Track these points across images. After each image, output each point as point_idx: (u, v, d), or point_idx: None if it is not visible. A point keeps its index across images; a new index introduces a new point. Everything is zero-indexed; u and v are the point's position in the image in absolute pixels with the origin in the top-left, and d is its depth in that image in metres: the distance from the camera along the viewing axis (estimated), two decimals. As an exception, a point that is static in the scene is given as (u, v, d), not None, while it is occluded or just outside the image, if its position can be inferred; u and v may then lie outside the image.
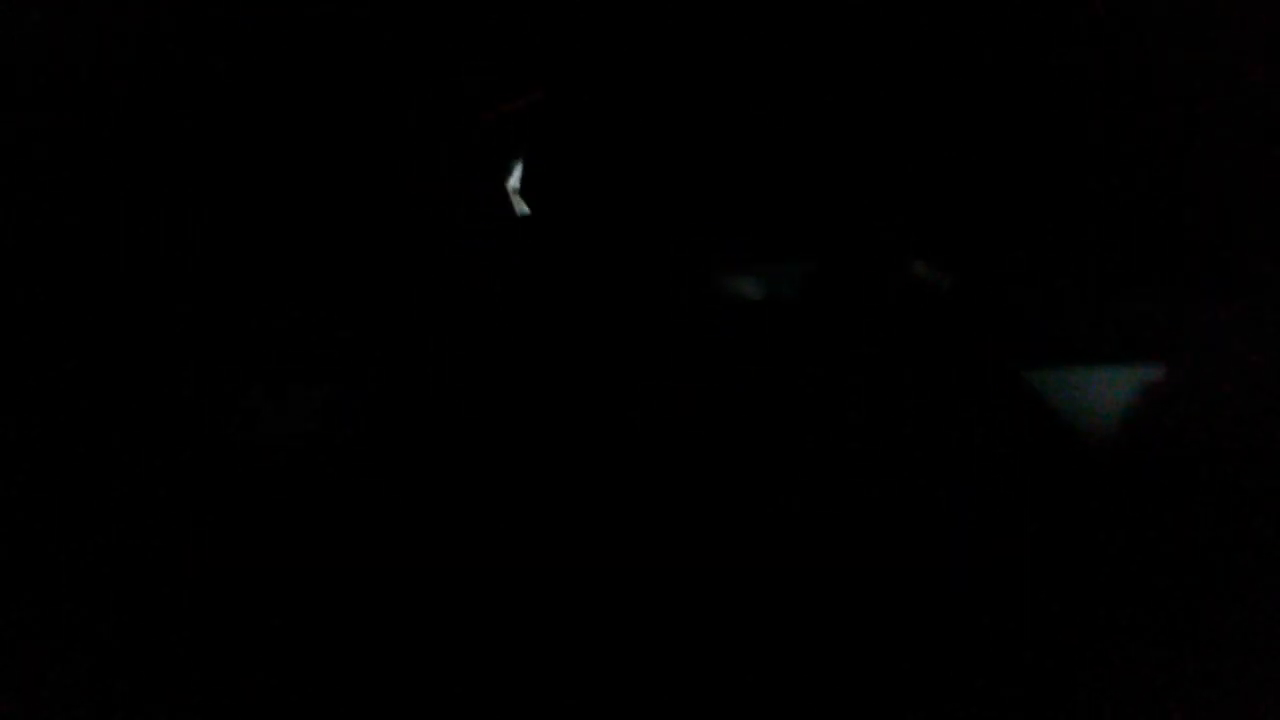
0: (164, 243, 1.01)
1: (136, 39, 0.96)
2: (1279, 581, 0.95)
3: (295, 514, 1.01)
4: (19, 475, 0.95)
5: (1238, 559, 0.96)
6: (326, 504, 1.02)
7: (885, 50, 1.03)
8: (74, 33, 0.94)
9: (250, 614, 0.97)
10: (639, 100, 1.09)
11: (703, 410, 1.06)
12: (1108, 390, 1.02)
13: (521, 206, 1.21)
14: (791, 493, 1.04)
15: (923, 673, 0.99)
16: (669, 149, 1.09)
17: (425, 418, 1.06)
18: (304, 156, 1.04)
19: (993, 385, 1.03)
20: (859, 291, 1.06)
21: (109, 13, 0.94)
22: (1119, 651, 0.97)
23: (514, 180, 1.33)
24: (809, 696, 0.99)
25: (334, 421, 1.05)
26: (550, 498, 1.04)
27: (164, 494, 0.98)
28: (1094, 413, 1.03)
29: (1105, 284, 1.02)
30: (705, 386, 1.06)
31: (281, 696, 0.95)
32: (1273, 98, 0.91)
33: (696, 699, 0.99)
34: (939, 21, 1.00)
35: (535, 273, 1.09)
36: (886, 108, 1.05)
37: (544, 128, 1.12)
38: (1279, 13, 0.88)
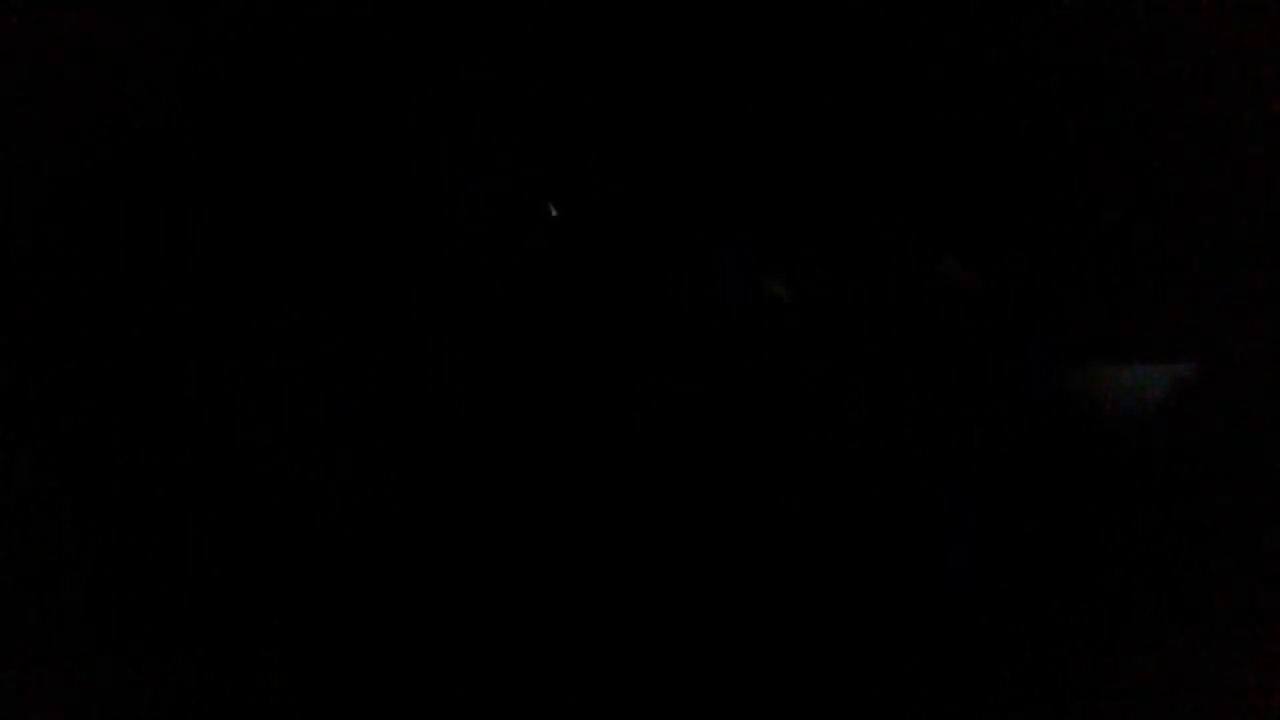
0: (164, 242, 1.01)
1: (138, 38, 0.96)
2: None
3: (295, 514, 1.01)
4: (19, 475, 0.95)
5: (1245, 561, 0.95)
6: (326, 504, 1.02)
7: (908, 45, 1.03)
8: (72, 32, 0.94)
9: (250, 614, 0.97)
10: (643, 96, 1.09)
11: (703, 410, 1.06)
12: (1117, 385, 1.02)
13: (528, 205, 1.21)
14: (794, 492, 1.04)
15: (923, 673, 0.99)
16: (673, 144, 1.09)
17: (426, 416, 1.06)
18: (305, 154, 1.04)
19: (996, 382, 1.03)
20: (869, 286, 1.06)
21: (107, 12, 0.94)
22: (1121, 652, 0.97)
23: (522, 179, 1.33)
24: (809, 697, 0.99)
25: (335, 420, 1.05)
26: (551, 497, 1.04)
27: (164, 494, 0.98)
28: (1103, 407, 1.02)
29: (1119, 279, 1.02)
30: (706, 386, 1.06)
31: (282, 697, 0.95)
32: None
33: (696, 699, 0.99)
34: (957, 17, 0.99)
35: (538, 271, 1.09)
36: (903, 100, 1.05)
37: (549, 126, 1.12)
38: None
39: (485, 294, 1.10)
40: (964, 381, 1.04)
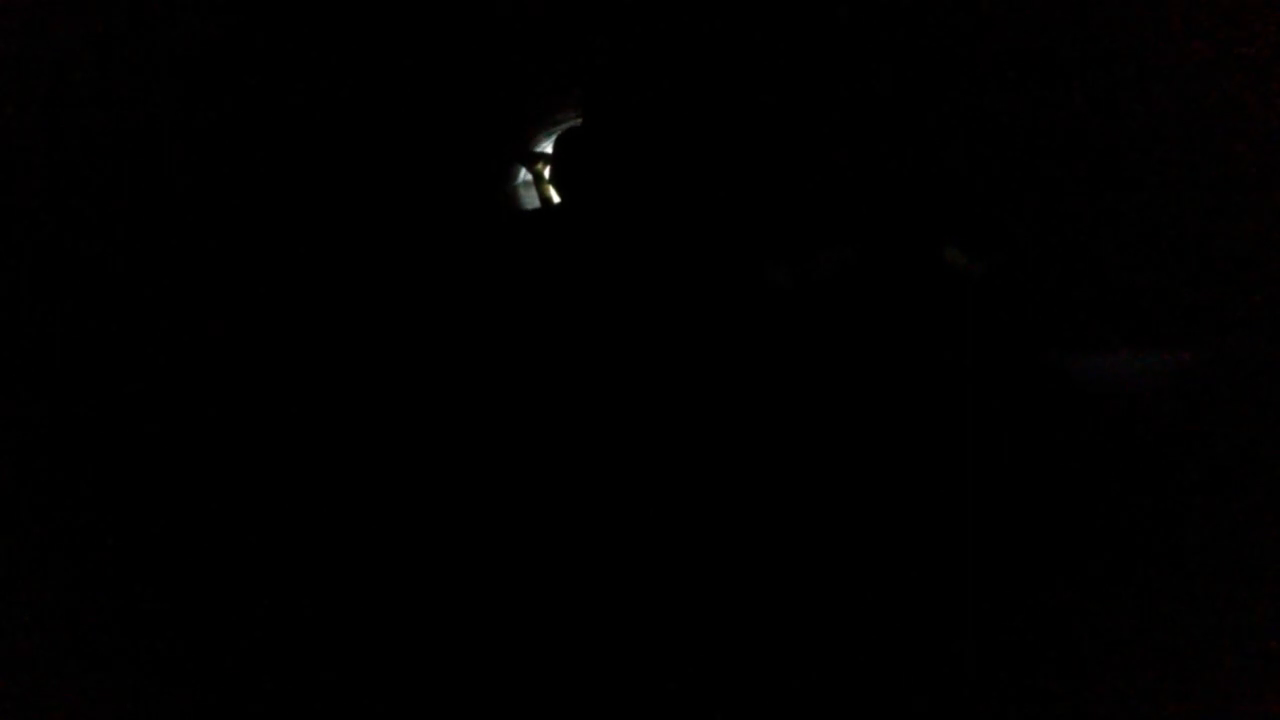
0: (168, 243, 1.01)
1: (155, 41, 0.96)
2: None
3: (297, 513, 1.01)
4: (20, 475, 0.95)
5: (1246, 557, 0.95)
6: (332, 501, 1.02)
7: (922, 44, 1.03)
8: (81, 29, 0.94)
9: (250, 613, 0.97)
10: (666, 94, 1.09)
11: (711, 402, 1.06)
12: (1131, 378, 1.02)
13: (532, 200, 1.21)
14: (806, 485, 1.03)
15: (923, 671, 0.99)
16: (698, 141, 1.08)
17: (431, 415, 1.06)
18: (330, 158, 1.05)
19: (1011, 377, 1.03)
20: (888, 277, 1.06)
21: (126, 8, 0.94)
22: (1128, 646, 0.97)
23: (524, 174, 1.34)
24: (810, 694, 0.99)
25: (359, 416, 1.04)
26: (569, 492, 1.04)
27: (163, 494, 0.98)
28: (1118, 399, 1.02)
29: (1129, 271, 1.02)
30: (716, 378, 1.06)
31: (282, 695, 0.95)
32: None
33: (696, 697, 0.99)
34: (975, 21, 0.99)
35: (564, 264, 1.09)
36: (918, 96, 1.05)
37: (577, 124, 1.12)
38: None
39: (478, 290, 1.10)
40: (963, 374, 1.04)
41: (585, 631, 1.01)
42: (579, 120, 1.24)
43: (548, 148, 1.52)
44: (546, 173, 1.53)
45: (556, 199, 1.34)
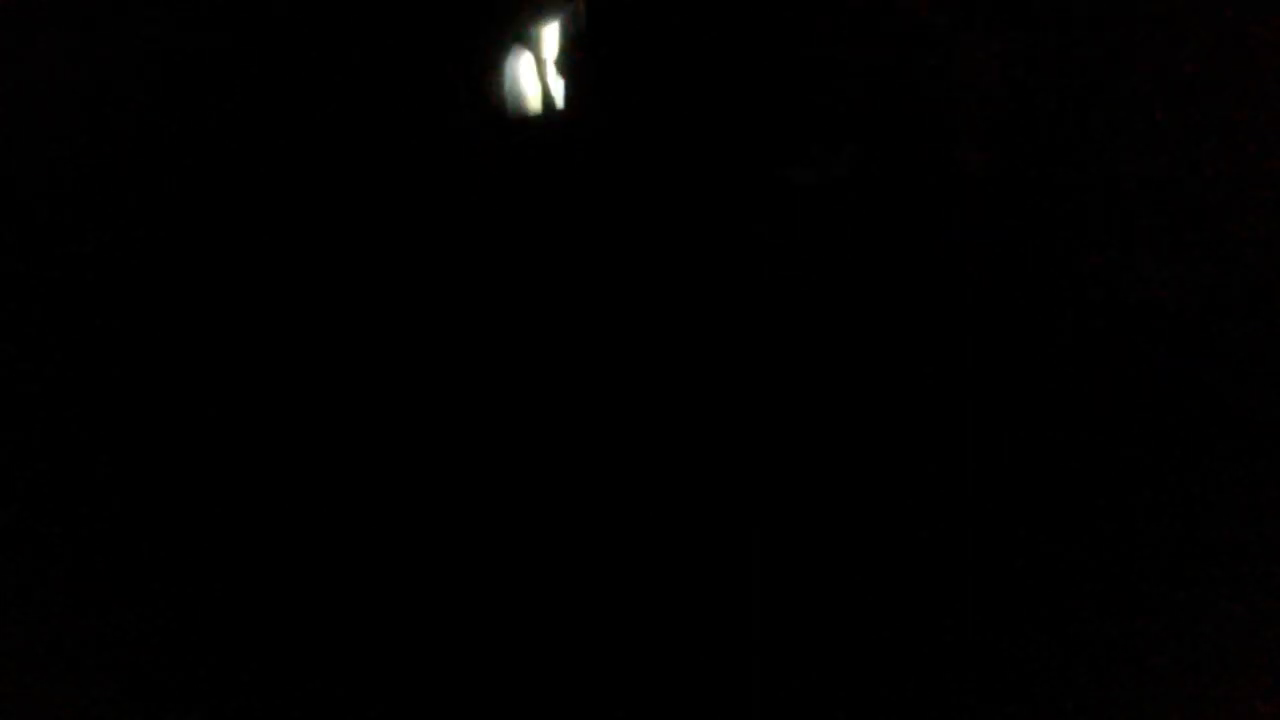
0: (169, 241, 0.97)
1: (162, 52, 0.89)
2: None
3: (296, 511, 1.00)
4: (20, 475, 0.92)
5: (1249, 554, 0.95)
6: (336, 499, 1.01)
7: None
8: (76, 36, 0.87)
9: (250, 613, 0.96)
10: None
11: (708, 395, 1.04)
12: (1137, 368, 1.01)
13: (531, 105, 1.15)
14: (807, 477, 1.03)
15: (925, 666, 1.00)
16: (712, 52, 1.03)
17: (430, 411, 1.03)
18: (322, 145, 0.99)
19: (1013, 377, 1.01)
20: (895, 177, 1.02)
21: (114, 11, 0.88)
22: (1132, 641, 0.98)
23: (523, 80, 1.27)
24: (812, 690, 1.01)
25: (347, 410, 1.02)
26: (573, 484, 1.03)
27: (162, 494, 0.96)
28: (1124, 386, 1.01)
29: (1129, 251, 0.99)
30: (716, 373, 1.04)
31: (283, 695, 0.96)
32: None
33: (696, 695, 1.01)
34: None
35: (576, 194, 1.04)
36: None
37: (589, 37, 1.07)
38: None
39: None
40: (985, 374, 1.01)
41: (582, 627, 1.02)
42: (581, 7, 1.17)
43: (553, 37, 1.42)
44: (550, 60, 1.43)
45: (558, 89, 1.26)
